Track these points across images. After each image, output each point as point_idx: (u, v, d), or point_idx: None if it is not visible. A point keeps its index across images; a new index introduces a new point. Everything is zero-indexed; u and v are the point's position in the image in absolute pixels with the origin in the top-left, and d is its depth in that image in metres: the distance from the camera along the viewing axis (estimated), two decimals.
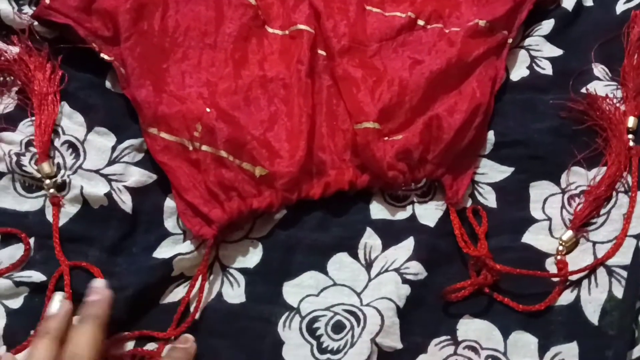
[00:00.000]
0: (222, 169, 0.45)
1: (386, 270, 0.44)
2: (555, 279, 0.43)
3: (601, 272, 0.43)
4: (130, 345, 0.42)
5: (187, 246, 0.45)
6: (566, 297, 0.43)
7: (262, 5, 0.53)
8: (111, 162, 0.48)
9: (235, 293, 0.44)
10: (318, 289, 0.44)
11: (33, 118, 0.49)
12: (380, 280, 0.43)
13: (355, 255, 0.45)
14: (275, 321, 0.43)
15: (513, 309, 0.43)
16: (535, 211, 0.46)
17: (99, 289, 0.41)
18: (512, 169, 0.48)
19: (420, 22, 0.52)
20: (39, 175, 0.47)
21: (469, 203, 0.47)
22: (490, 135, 0.49)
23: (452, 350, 0.42)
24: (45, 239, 0.45)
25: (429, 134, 0.46)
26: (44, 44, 0.51)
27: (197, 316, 0.43)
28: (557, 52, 0.52)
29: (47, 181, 0.46)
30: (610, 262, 0.43)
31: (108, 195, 0.46)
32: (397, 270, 0.44)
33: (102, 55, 0.50)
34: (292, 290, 0.44)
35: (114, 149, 0.48)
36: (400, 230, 0.46)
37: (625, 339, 0.40)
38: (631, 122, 0.47)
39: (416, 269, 0.44)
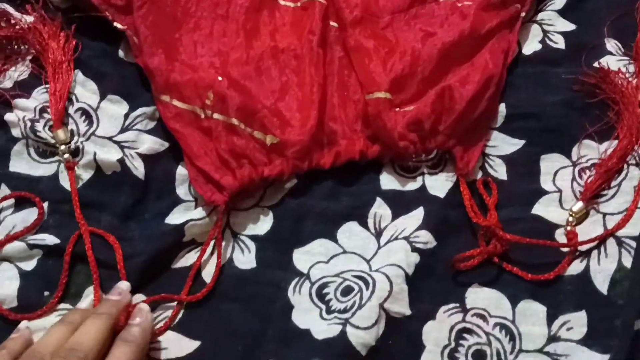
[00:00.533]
0: (233, 136, 0.46)
1: (396, 239, 0.44)
2: (565, 250, 0.43)
3: (611, 243, 0.43)
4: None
5: (198, 212, 0.45)
6: (575, 267, 0.43)
7: None
8: (124, 130, 0.48)
9: (246, 259, 0.44)
10: (328, 256, 0.44)
11: (47, 85, 0.49)
12: (389, 248, 0.44)
13: (365, 224, 0.45)
14: (285, 286, 0.43)
15: (522, 278, 0.43)
16: (545, 183, 0.46)
17: (122, 291, 0.42)
18: (523, 142, 0.47)
19: None
20: (53, 141, 0.47)
21: (479, 175, 0.47)
22: (502, 107, 0.49)
23: (460, 318, 0.42)
24: (58, 204, 0.46)
25: (440, 105, 0.46)
26: (58, 14, 0.52)
27: (208, 280, 0.43)
28: (570, 26, 0.52)
29: (63, 147, 0.47)
30: (620, 233, 0.43)
31: (121, 161, 0.46)
32: (406, 238, 0.44)
33: (115, 24, 0.50)
34: (302, 257, 0.44)
35: (126, 116, 0.49)
36: (410, 201, 0.46)
37: (634, 308, 0.40)
38: None
39: (426, 238, 0.44)
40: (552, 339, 0.41)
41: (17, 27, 0.51)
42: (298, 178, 0.47)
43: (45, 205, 0.46)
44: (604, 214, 0.44)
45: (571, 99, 0.48)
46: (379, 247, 0.44)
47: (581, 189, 0.45)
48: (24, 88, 0.49)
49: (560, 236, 0.44)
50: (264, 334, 0.42)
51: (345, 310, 0.41)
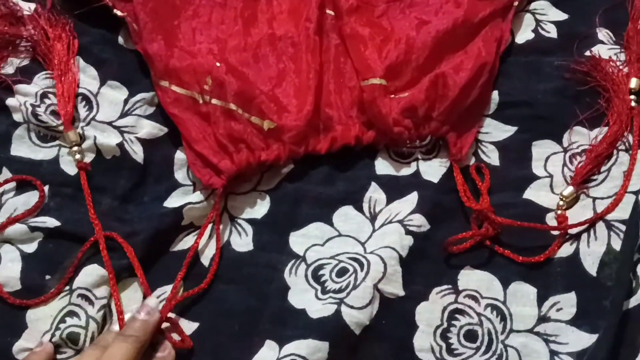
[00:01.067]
0: (231, 121, 0.46)
1: (390, 222, 0.45)
2: (555, 233, 0.44)
3: (600, 226, 0.43)
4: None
5: (197, 196, 0.46)
6: (566, 250, 0.43)
7: None
8: (123, 115, 0.49)
9: (243, 242, 0.45)
10: (323, 239, 0.45)
11: (48, 71, 0.50)
12: (384, 231, 0.45)
13: (360, 208, 0.46)
14: (281, 268, 0.44)
15: (513, 260, 0.44)
16: (537, 169, 0.47)
17: (151, 310, 0.41)
18: (515, 129, 0.48)
19: None
20: (54, 124, 0.48)
21: (472, 161, 0.48)
22: (495, 95, 0.49)
23: (453, 299, 0.43)
24: (59, 187, 0.47)
25: (434, 92, 0.47)
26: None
27: (207, 264, 0.44)
28: (563, 16, 0.52)
29: (75, 148, 0.47)
30: (609, 216, 0.43)
31: (120, 145, 0.47)
32: (400, 222, 0.45)
33: (115, 11, 0.51)
34: (298, 240, 0.45)
35: (126, 102, 0.49)
36: (404, 186, 0.47)
37: (622, 289, 0.41)
38: (633, 83, 0.48)
39: (419, 222, 0.45)
40: (542, 319, 0.42)
41: (24, 27, 0.51)
42: (295, 163, 0.48)
43: (46, 188, 0.47)
44: (594, 198, 0.45)
45: (563, 87, 0.49)
46: (374, 231, 0.45)
47: (572, 174, 0.46)
48: (25, 74, 0.50)
49: (551, 220, 0.45)
50: (261, 315, 0.43)
51: (340, 291, 0.42)
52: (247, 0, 0.52)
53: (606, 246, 0.43)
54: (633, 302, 0.41)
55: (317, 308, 0.42)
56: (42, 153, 0.48)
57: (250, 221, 0.46)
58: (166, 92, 0.48)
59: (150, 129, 0.48)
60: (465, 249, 0.44)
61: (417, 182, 0.47)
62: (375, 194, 0.46)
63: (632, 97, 0.48)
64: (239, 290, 0.44)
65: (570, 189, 0.45)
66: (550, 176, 0.47)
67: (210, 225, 0.45)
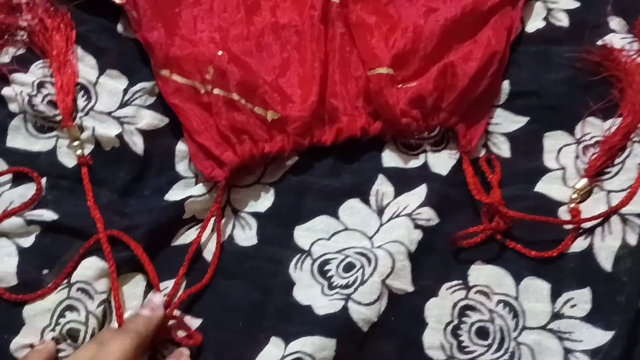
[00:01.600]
0: (234, 112, 0.45)
1: (398, 216, 0.44)
2: (568, 227, 0.43)
3: (615, 220, 0.42)
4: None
5: (199, 189, 0.45)
6: (579, 245, 0.42)
7: None
8: (123, 105, 0.48)
9: (246, 236, 0.44)
10: (329, 233, 0.44)
11: (44, 60, 0.49)
12: (391, 225, 0.43)
13: (366, 201, 0.45)
14: (286, 263, 0.43)
15: (525, 255, 0.42)
16: (549, 161, 0.46)
17: (155, 306, 0.40)
18: (526, 119, 0.47)
19: None
20: (51, 114, 0.47)
21: (482, 153, 0.46)
22: (505, 85, 0.48)
23: (463, 295, 0.42)
24: (57, 179, 0.45)
25: (443, 81, 0.46)
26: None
27: (209, 259, 0.43)
28: (574, 4, 0.51)
29: (76, 143, 0.46)
30: (624, 210, 0.42)
31: (119, 136, 0.46)
32: (409, 215, 0.43)
33: None
34: (303, 234, 0.44)
35: (125, 91, 0.48)
36: (412, 178, 0.45)
37: (638, 284, 0.40)
38: None
39: (428, 215, 0.43)
40: (556, 315, 0.40)
41: (22, 17, 0.50)
42: (299, 155, 0.46)
43: (44, 180, 0.45)
44: (608, 191, 0.44)
45: (574, 76, 0.48)
46: (381, 224, 0.44)
47: (585, 166, 0.45)
48: (21, 63, 0.49)
49: (563, 213, 0.44)
50: (265, 310, 0.42)
51: (347, 286, 0.41)
52: None
53: (621, 240, 0.42)
54: None
55: (324, 304, 0.40)
56: (39, 144, 0.47)
57: (254, 215, 0.45)
58: (167, 81, 0.46)
59: (150, 119, 0.47)
60: (475, 244, 0.43)
61: (425, 175, 0.46)
62: (382, 186, 0.45)
63: None
64: (243, 285, 0.42)
65: (584, 181, 0.44)
66: (563, 168, 0.45)
67: (212, 219, 0.44)
